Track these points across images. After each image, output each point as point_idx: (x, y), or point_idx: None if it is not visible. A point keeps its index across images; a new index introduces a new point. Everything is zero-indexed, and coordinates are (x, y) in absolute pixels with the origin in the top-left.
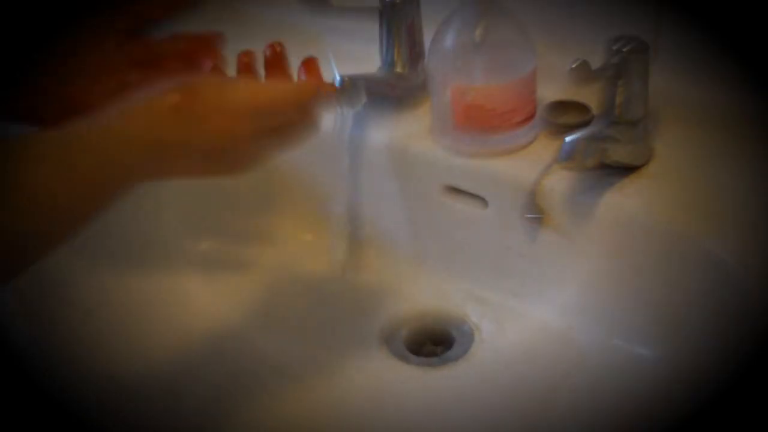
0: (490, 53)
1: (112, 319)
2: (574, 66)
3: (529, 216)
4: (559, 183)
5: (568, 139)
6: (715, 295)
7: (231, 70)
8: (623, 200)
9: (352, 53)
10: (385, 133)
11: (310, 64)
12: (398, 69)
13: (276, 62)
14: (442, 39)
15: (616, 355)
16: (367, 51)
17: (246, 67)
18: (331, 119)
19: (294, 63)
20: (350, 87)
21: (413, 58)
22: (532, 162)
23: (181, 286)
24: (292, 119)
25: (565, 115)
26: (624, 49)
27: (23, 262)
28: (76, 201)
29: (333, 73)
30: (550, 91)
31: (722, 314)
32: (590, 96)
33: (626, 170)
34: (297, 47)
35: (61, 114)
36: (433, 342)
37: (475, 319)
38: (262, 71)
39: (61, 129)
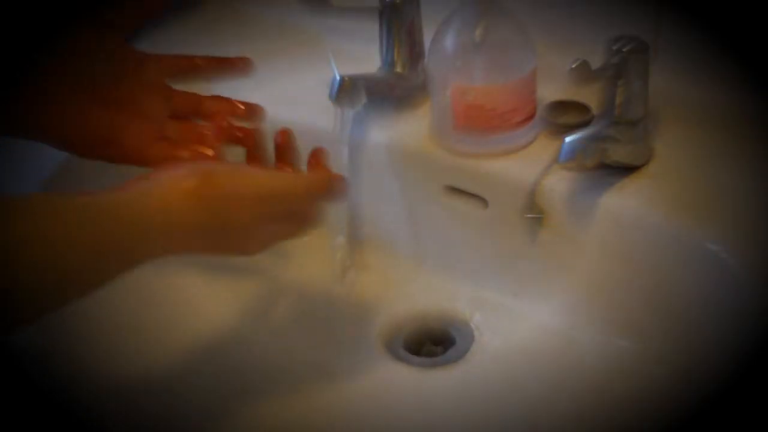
0: (490, 53)
1: (111, 319)
2: (574, 66)
3: (529, 216)
4: (559, 183)
5: (568, 139)
6: (715, 294)
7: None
8: (623, 200)
9: (352, 53)
10: (385, 133)
11: (318, 155)
12: (398, 69)
13: (285, 149)
14: (442, 39)
15: (616, 355)
16: (367, 51)
17: (253, 146)
18: (331, 119)
19: (294, 64)
20: (350, 87)
21: (413, 58)
22: (532, 162)
23: (181, 286)
24: (301, 209)
25: (565, 115)
26: (624, 49)
27: (17, 321)
28: (87, 268)
29: (333, 73)
30: (550, 91)
31: (722, 314)
32: (590, 96)
33: (626, 170)
34: (297, 47)
35: (87, 141)
36: (433, 342)
37: (475, 320)
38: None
39: (84, 196)
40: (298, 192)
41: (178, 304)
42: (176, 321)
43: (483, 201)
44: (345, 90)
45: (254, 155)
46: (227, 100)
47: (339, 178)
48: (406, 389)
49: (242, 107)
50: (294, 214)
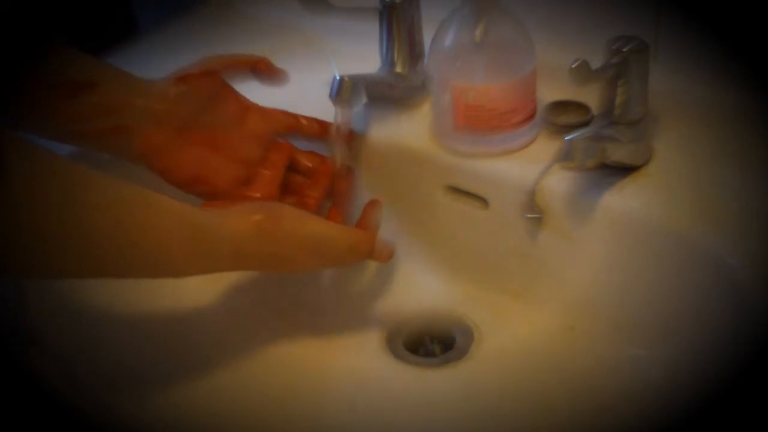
0: (490, 53)
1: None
2: (574, 66)
3: (529, 216)
4: (559, 183)
5: (568, 138)
6: (714, 295)
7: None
8: (623, 200)
9: (352, 53)
10: (385, 133)
11: (372, 207)
12: (398, 69)
13: (343, 197)
14: (442, 39)
15: (616, 356)
16: (367, 51)
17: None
18: (331, 119)
19: (294, 64)
20: (350, 87)
21: (413, 58)
22: (532, 162)
23: (182, 283)
24: (344, 257)
25: (565, 115)
26: (624, 49)
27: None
28: (169, 260)
29: (333, 73)
30: (550, 91)
31: (722, 314)
32: (590, 96)
33: (626, 170)
34: (297, 47)
35: (181, 176)
36: (433, 342)
37: (475, 319)
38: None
39: (184, 207)
40: (342, 246)
41: (177, 301)
42: (174, 321)
43: (483, 201)
44: (345, 90)
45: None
46: (322, 158)
47: (385, 244)
48: (407, 389)
49: (337, 168)
50: (336, 260)
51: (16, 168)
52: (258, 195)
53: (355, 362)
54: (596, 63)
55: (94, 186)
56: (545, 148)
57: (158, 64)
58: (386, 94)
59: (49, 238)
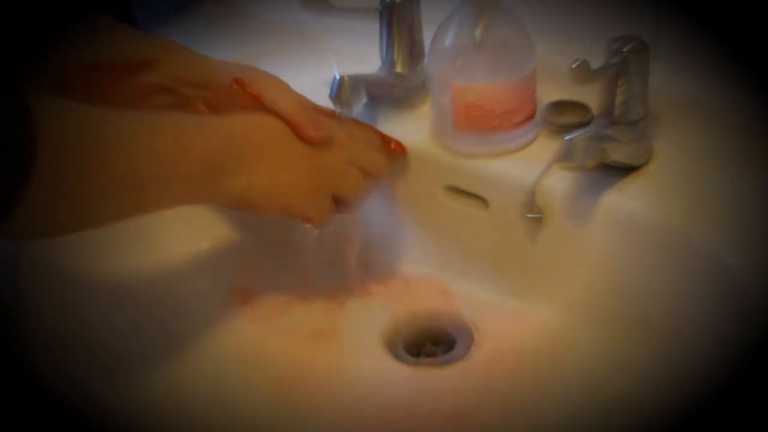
0: (490, 53)
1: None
2: (574, 66)
3: (529, 216)
4: (559, 183)
5: (568, 138)
6: (715, 294)
7: None
8: (623, 200)
9: (352, 53)
10: (385, 133)
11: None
12: (398, 69)
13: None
14: (442, 39)
15: (616, 355)
16: (367, 51)
17: None
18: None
19: (294, 64)
20: (350, 87)
21: (413, 58)
22: (532, 162)
23: (184, 286)
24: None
25: (565, 115)
26: (624, 49)
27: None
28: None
29: (333, 73)
30: (550, 91)
31: (722, 314)
32: (590, 96)
33: (626, 170)
34: (297, 47)
35: None
36: (433, 342)
37: (475, 320)
38: None
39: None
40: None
41: (178, 303)
42: (174, 322)
43: (483, 201)
44: (345, 90)
45: None
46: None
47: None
48: (407, 389)
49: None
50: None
51: (47, 125)
52: None
53: (355, 363)
54: (596, 63)
55: (123, 123)
56: (545, 148)
57: None
58: (386, 94)
59: (87, 184)
